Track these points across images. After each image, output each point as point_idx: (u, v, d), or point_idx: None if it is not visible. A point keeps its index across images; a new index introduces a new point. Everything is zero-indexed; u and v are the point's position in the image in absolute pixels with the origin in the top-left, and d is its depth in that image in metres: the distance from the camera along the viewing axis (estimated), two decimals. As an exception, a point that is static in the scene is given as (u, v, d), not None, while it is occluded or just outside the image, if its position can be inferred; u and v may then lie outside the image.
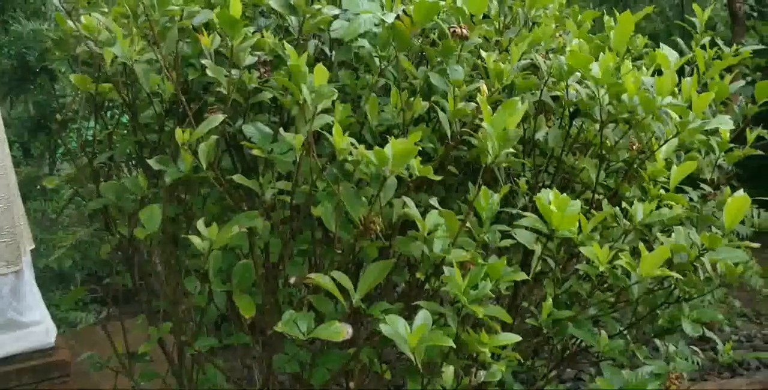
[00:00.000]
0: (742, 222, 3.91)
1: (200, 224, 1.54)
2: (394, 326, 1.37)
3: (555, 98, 2.04)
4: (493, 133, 1.42)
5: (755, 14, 4.73)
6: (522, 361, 2.22)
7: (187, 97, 1.85)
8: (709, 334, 1.98)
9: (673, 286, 2.07)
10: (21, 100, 5.47)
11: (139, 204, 1.96)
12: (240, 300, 1.65)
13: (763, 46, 3.28)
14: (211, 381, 2.01)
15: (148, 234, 1.76)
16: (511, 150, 1.92)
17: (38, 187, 5.56)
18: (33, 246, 3.60)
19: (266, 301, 1.76)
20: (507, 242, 1.77)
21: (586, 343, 2.12)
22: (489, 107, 1.45)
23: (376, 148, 1.39)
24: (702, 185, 2.24)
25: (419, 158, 1.44)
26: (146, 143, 2.02)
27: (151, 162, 1.66)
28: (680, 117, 1.81)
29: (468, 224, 1.60)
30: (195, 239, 1.56)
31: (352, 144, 1.43)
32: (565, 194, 1.93)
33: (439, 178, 1.51)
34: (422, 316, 1.41)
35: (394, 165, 1.39)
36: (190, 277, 2.00)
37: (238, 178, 1.56)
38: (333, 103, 1.48)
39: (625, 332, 2.15)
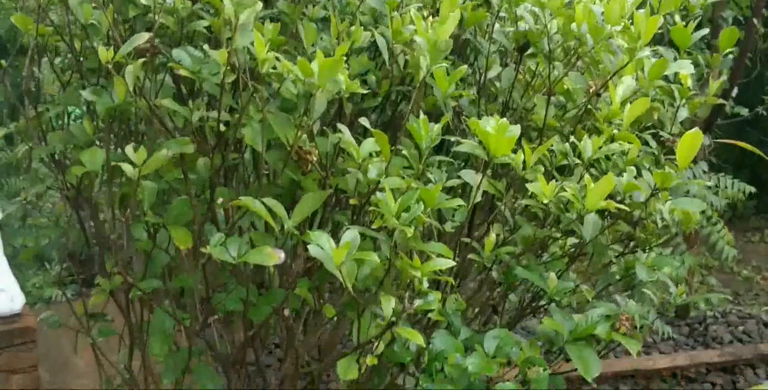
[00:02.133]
0: (716, 193, 3.91)
1: (129, 149, 1.51)
2: (319, 243, 1.33)
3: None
4: (426, 46, 1.39)
5: (736, -14, 4.71)
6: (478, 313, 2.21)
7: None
8: (662, 278, 1.94)
9: (628, 236, 2.05)
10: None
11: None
12: (175, 231, 1.62)
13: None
14: (160, 325, 1.97)
15: (87, 172, 1.74)
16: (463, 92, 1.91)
17: (20, 169, 5.53)
18: (1, 216, 3.58)
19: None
20: (453, 182, 1.74)
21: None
22: (423, 22, 1.41)
23: (301, 59, 1.35)
24: (661, 132, 2.20)
25: (347, 72, 1.41)
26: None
27: (84, 93, 1.63)
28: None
29: (407, 154, 1.57)
30: (125, 166, 1.53)
31: (277, 58, 1.39)
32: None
33: (364, 91, 1.47)
34: (349, 235, 1.37)
35: (320, 79, 1.36)
36: (138, 222, 1.97)
37: (167, 102, 1.52)
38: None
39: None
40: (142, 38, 1.45)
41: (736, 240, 4.30)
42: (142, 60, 1.49)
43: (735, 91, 4.24)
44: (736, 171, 4.39)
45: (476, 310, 2.20)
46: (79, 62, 1.95)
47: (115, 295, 2.15)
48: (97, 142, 1.86)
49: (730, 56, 4.55)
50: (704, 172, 3.83)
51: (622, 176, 1.89)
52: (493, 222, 1.91)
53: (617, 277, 2.13)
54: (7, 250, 3.92)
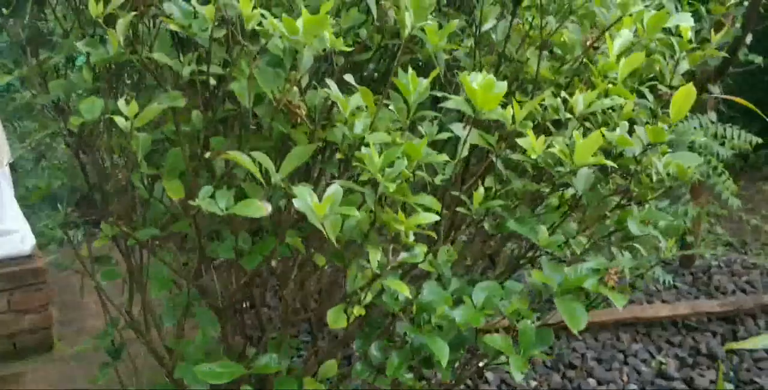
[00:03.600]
0: (722, 144, 3.88)
1: (121, 103, 1.53)
2: (302, 197, 1.36)
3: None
4: (409, 2, 1.39)
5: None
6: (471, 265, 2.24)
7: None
8: (654, 232, 1.96)
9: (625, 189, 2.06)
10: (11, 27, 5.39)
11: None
12: (168, 183, 1.65)
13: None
14: (158, 274, 2.03)
15: (85, 121, 1.76)
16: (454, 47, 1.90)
17: (31, 112, 5.55)
18: (11, 159, 3.62)
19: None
20: (443, 135, 1.74)
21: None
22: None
23: (285, 16, 1.36)
24: (659, 86, 2.18)
25: (332, 30, 1.41)
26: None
27: (79, 44, 1.64)
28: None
29: (394, 109, 1.58)
30: (119, 119, 1.55)
31: (263, 15, 1.40)
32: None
33: (349, 48, 1.47)
34: (333, 189, 1.40)
35: (305, 36, 1.36)
36: (136, 172, 2.01)
37: (158, 56, 1.54)
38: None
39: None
40: (133, -9, 1.46)
41: (746, 189, 4.29)
42: (133, 13, 1.49)
43: (749, 38, 4.15)
44: (747, 121, 4.34)
45: (472, 260, 2.24)
46: (78, 11, 1.96)
47: (117, 240, 2.20)
48: (98, 92, 1.89)
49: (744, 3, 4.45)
50: (712, 122, 3.80)
51: (616, 130, 1.90)
52: (485, 175, 1.92)
53: (612, 229, 2.14)
54: (19, 192, 3.99)
